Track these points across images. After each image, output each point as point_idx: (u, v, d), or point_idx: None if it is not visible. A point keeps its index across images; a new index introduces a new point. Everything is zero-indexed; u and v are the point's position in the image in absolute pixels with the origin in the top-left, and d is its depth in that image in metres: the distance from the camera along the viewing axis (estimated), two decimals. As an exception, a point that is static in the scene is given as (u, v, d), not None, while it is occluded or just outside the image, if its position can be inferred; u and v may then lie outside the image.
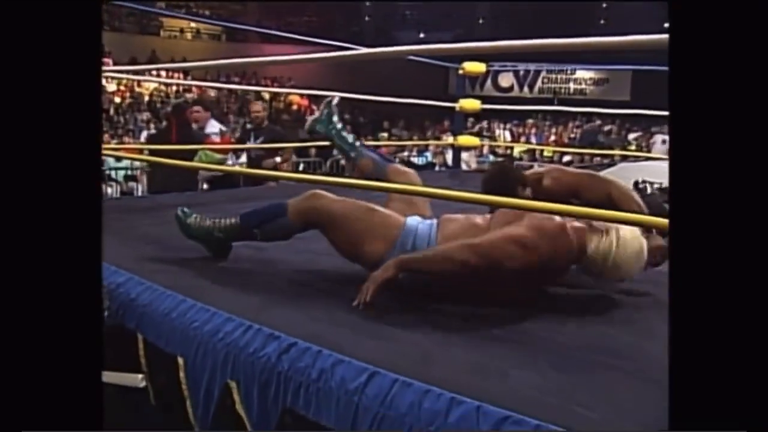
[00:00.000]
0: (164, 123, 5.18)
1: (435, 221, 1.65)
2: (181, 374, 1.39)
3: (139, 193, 6.06)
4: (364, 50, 1.90)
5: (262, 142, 4.40)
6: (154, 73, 12.48)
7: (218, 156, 3.84)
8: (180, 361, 1.40)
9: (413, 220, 1.65)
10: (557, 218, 1.49)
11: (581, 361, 1.21)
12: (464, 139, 4.93)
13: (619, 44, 1.28)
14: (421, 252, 1.52)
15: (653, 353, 1.15)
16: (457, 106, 4.65)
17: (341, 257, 1.70)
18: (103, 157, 6.23)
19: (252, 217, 1.78)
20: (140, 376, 1.46)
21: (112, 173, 6.41)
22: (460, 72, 4.56)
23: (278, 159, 4.49)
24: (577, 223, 1.54)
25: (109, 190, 6.07)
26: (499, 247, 1.44)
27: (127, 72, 7.38)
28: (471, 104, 4.73)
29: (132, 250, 1.91)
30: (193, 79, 13.68)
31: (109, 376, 1.44)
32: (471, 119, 12.92)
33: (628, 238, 1.54)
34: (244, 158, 7.70)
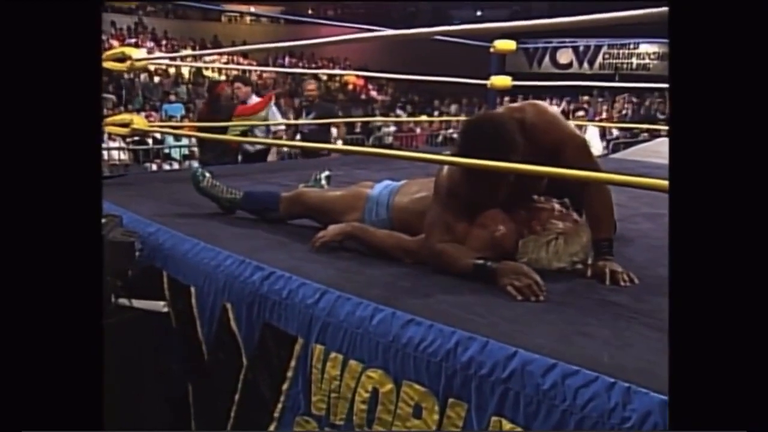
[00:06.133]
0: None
1: (395, 185, 1.91)
2: (193, 300, 1.74)
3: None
4: (406, 31, 2.06)
5: (314, 118, 4.75)
6: (216, 57, 13.08)
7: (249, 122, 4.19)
8: (192, 290, 1.75)
9: (377, 188, 1.92)
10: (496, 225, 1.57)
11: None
12: (489, 114, 5.16)
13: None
14: (370, 230, 1.75)
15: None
16: (488, 83, 4.90)
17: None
18: (163, 136, 6.78)
19: (251, 202, 2.14)
20: (162, 303, 1.82)
21: (172, 152, 6.96)
22: (492, 50, 4.81)
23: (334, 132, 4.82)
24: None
25: (167, 167, 6.61)
26: (427, 253, 1.59)
27: (189, 57, 7.90)
28: (502, 81, 4.96)
29: (165, 209, 2.28)
30: (254, 61, 14.26)
31: (140, 303, 1.83)
32: (521, 97, 12.90)
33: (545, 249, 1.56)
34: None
